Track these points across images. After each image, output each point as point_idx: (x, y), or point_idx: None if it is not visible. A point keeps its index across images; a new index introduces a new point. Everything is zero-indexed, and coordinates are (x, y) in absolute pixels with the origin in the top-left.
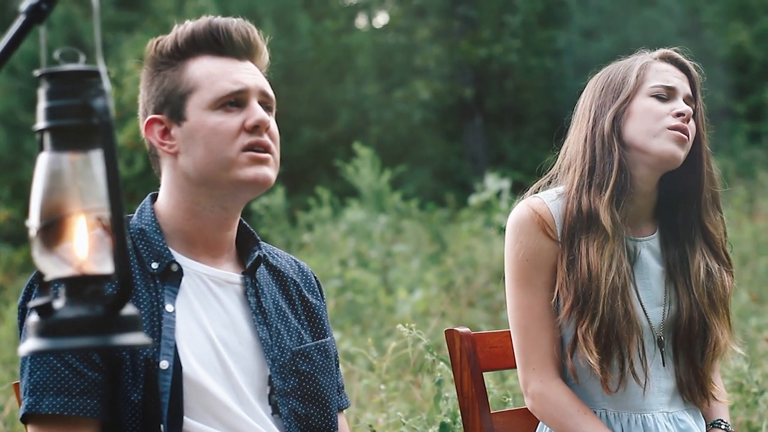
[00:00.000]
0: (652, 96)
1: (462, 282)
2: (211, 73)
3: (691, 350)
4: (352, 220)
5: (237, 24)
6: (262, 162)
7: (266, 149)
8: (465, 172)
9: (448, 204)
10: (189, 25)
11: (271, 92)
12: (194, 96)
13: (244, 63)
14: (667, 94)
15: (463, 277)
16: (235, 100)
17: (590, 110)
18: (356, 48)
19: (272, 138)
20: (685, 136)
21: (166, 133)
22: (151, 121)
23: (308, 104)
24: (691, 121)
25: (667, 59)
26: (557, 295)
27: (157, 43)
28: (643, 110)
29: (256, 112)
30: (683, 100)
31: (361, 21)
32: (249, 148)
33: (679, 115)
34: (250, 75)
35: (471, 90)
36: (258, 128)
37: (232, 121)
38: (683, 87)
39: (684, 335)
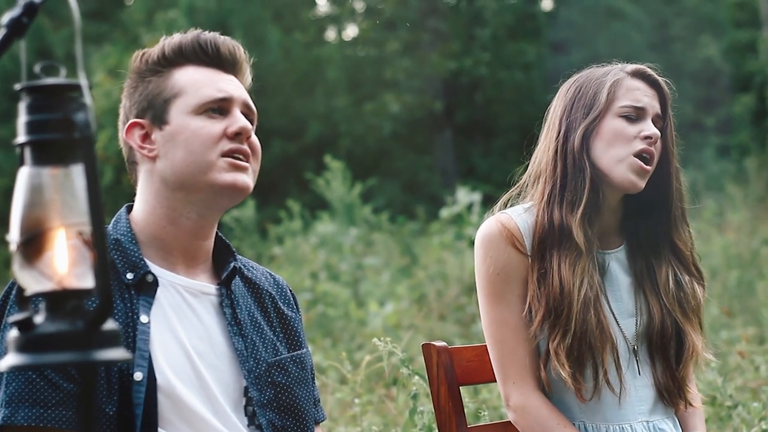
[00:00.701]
0: (622, 116)
1: (433, 295)
2: (196, 80)
3: (665, 353)
4: (322, 232)
5: (225, 39)
6: (241, 169)
7: (246, 158)
8: (435, 185)
9: (418, 217)
10: (176, 37)
11: (253, 106)
12: (178, 100)
13: (229, 76)
14: (636, 114)
15: (435, 290)
16: (218, 107)
17: (560, 122)
18: (326, 60)
19: (252, 149)
20: (647, 167)
21: (146, 137)
22: (132, 125)
23: (278, 116)
24: (659, 143)
25: (639, 75)
26: (528, 307)
27: (143, 54)
28: (612, 132)
29: (239, 119)
30: (652, 120)
31: (330, 34)
32: (229, 154)
33: (646, 138)
34: (234, 86)
35: (441, 103)
36: (239, 136)
37: (214, 126)
38: (653, 106)
39: (658, 340)
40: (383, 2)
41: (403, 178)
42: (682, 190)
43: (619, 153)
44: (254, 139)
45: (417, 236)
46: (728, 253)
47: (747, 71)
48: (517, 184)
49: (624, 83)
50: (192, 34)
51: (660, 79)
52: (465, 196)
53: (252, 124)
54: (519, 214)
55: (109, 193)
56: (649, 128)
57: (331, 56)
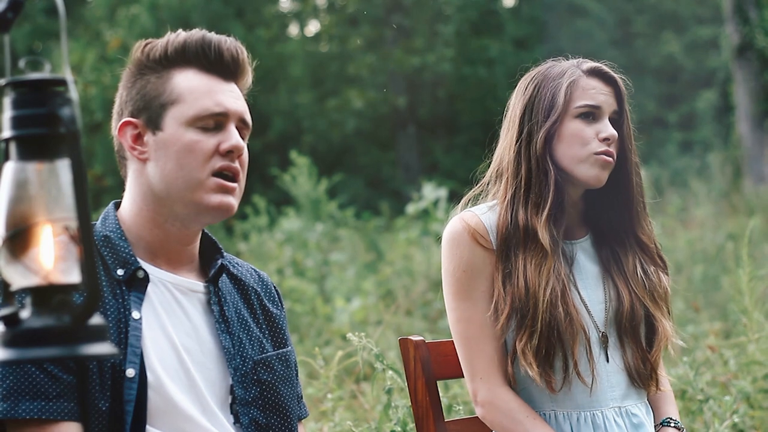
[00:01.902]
0: (579, 117)
1: (400, 291)
2: (195, 89)
3: (635, 336)
4: (288, 228)
5: (229, 43)
6: (229, 191)
7: (235, 176)
8: (398, 181)
9: (382, 212)
10: (182, 35)
11: (249, 119)
12: (175, 108)
13: (229, 84)
14: (593, 114)
15: (401, 285)
16: (213, 122)
17: (521, 122)
18: (289, 57)
19: (242, 165)
20: (610, 159)
21: (138, 138)
22: (126, 124)
23: None
24: (618, 140)
25: (595, 74)
26: (494, 306)
27: (146, 45)
28: (570, 134)
29: (233, 136)
30: (609, 118)
31: (293, 29)
32: (219, 172)
33: (604, 139)
34: (233, 98)
35: (404, 99)
36: (231, 153)
37: (207, 141)
38: (609, 103)
39: (627, 324)
40: None
41: (366, 173)
42: (642, 184)
43: (580, 153)
44: (245, 156)
45: (382, 232)
46: (693, 248)
47: (709, 67)
48: (479, 183)
49: (580, 83)
50: (198, 34)
51: (616, 76)
52: (431, 191)
53: (244, 138)
54: (483, 213)
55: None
56: (606, 129)
57: (294, 52)
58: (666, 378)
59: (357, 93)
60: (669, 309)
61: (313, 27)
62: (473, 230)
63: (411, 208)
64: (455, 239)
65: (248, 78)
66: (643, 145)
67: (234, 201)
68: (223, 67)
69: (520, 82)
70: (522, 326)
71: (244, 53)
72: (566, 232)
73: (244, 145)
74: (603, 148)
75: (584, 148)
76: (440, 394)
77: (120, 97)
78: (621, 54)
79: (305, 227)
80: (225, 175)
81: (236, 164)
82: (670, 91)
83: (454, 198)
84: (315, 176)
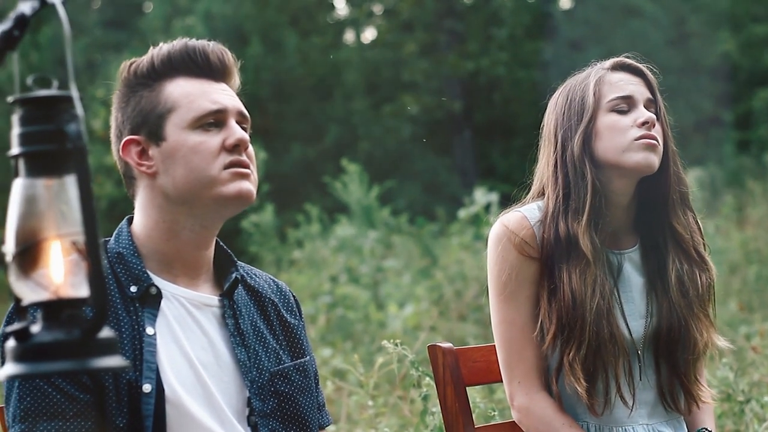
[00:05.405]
0: (613, 111)
1: (452, 296)
2: (188, 93)
3: (672, 358)
4: (341, 236)
5: (213, 46)
6: (244, 177)
7: (246, 167)
8: (455, 186)
9: (438, 218)
10: (165, 47)
11: (247, 113)
12: (173, 116)
13: (220, 84)
14: (626, 105)
15: (453, 290)
16: (213, 120)
17: (555, 135)
18: (344, 64)
19: (250, 158)
20: (655, 141)
21: (143, 153)
22: (128, 142)
23: (297, 121)
24: (657, 125)
25: (619, 67)
26: (540, 325)
27: (131, 64)
28: (607, 128)
29: (236, 131)
30: (644, 106)
31: (348, 36)
32: (230, 166)
33: (643, 124)
34: (227, 95)
35: (459, 103)
36: (238, 147)
37: (212, 140)
38: (641, 92)
39: (664, 344)
40: (400, 4)
41: (423, 179)
42: (681, 173)
43: (621, 142)
44: (251, 149)
45: (436, 237)
46: (747, 248)
47: (765, 65)
48: (521, 201)
49: (606, 79)
50: (180, 43)
51: (641, 65)
52: (482, 196)
53: (245, 131)
54: (535, 220)
55: (127, 201)
56: (642, 114)
57: (349, 59)
58: (707, 391)
59: (412, 99)
60: (706, 310)
61: (369, 34)
62: (520, 238)
63: (462, 213)
64: (501, 243)
65: (236, 79)
66: (699, 145)
67: (251, 187)
68: (211, 70)
69: (550, 100)
70: (570, 339)
71: (229, 55)
72: (614, 242)
73: (248, 138)
74: (643, 132)
75: (625, 136)
76: (481, 399)
77: (116, 119)
78: (676, 54)
79: (358, 234)
80: (236, 166)
81: (244, 157)
82: (726, 90)
83: (506, 201)
84: (366, 183)
